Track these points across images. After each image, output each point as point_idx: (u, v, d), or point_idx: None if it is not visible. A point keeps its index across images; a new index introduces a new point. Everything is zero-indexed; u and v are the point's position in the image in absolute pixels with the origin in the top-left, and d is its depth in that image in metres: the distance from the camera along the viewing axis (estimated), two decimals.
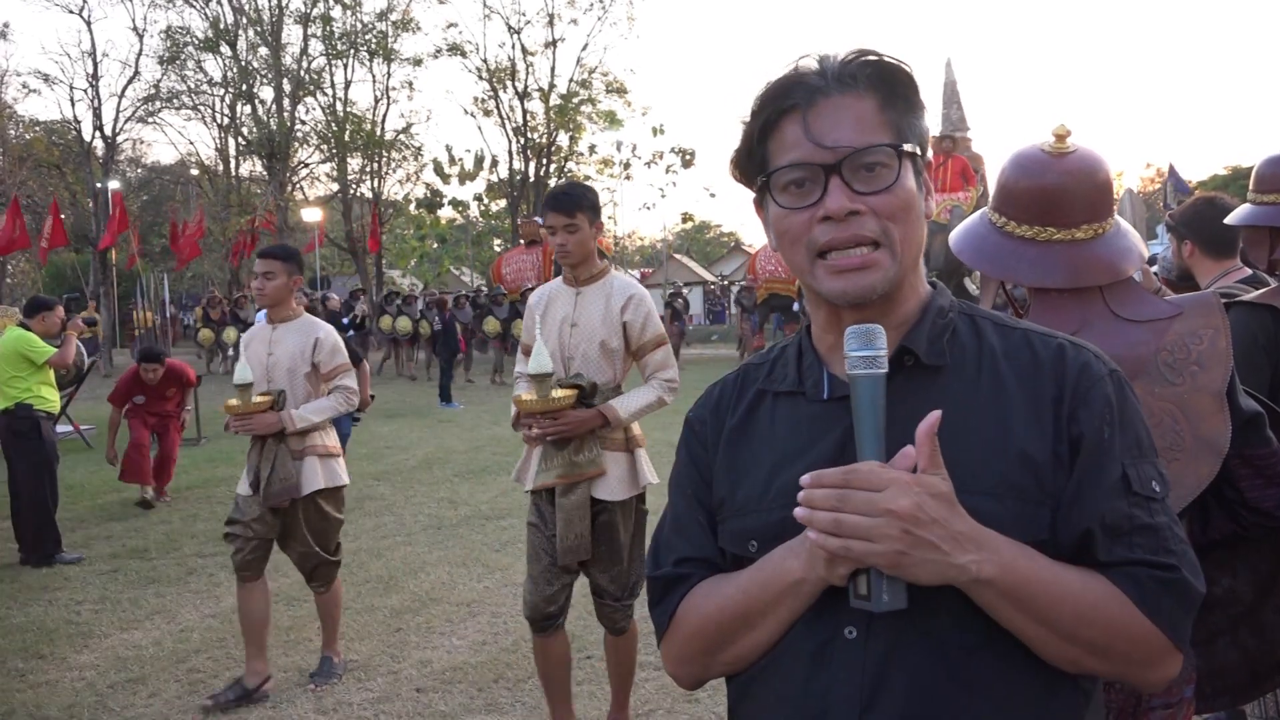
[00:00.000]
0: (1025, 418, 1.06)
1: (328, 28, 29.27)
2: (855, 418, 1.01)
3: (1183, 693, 1.84)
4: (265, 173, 29.75)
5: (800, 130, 1.07)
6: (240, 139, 31.99)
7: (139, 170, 41.22)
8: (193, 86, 32.07)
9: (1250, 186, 2.49)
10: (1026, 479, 1.01)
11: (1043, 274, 1.80)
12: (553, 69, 30.40)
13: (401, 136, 31.29)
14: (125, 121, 32.28)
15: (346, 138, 29.72)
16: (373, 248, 28.95)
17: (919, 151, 1.10)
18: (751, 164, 1.14)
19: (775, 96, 1.10)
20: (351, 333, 14.72)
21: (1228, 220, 2.57)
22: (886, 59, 1.09)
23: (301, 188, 32.31)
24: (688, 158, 31.89)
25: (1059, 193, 1.78)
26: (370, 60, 30.30)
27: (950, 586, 0.99)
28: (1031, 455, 1.04)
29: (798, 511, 0.98)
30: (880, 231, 1.06)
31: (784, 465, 1.11)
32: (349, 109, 30.33)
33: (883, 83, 1.09)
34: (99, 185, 27.48)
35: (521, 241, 21.67)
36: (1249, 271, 2.97)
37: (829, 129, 1.06)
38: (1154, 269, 3.02)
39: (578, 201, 3.38)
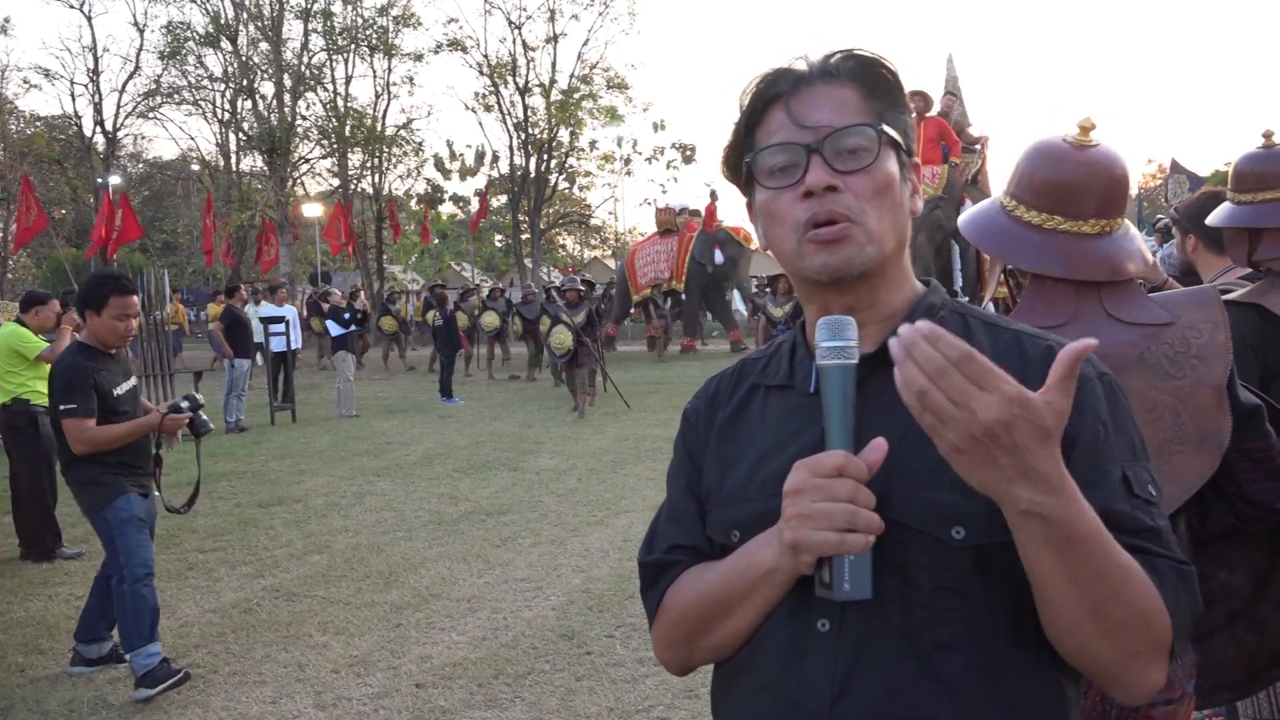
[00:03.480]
0: None
1: (328, 23, 29.26)
2: (824, 408, 1.01)
3: (1184, 688, 1.83)
4: (266, 168, 29.76)
5: (784, 115, 1.09)
6: (241, 134, 32.02)
7: (140, 166, 41.36)
8: (193, 82, 32.20)
9: (1229, 186, 2.46)
10: None
11: (1041, 261, 1.80)
12: (554, 64, 30.41)
13: (402, 132, 31.31)
14: (126, 117, 32.44)
15: (347, 133, 29.71)
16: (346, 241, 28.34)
17: (902, 144, 1.11)
18: (740, 159, 1.15)
19: (760, 88, 1.12)
20: (354, 328, 14.71)
21: (1208, 222, 2.54)
22: (870, 55, 1.12)
23: (302, 183, 32.35)
24: (688, 153, 31.92)
25: (1073, 184, 1.79)
26: (371, 55, 30.29)
27: (929, 579, 1.00)
28: None
29: (894, 349, 0.89)
30: (857, 210, 1.07)
31: (769, 457, 1.12)
32: (350, 104, 30.34)
33: (866, 75, 1.11)
34: (100, 181, 27.50)
35: (655, 231, 20.89)
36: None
37: (811, 111, 1.08)
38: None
39: None
